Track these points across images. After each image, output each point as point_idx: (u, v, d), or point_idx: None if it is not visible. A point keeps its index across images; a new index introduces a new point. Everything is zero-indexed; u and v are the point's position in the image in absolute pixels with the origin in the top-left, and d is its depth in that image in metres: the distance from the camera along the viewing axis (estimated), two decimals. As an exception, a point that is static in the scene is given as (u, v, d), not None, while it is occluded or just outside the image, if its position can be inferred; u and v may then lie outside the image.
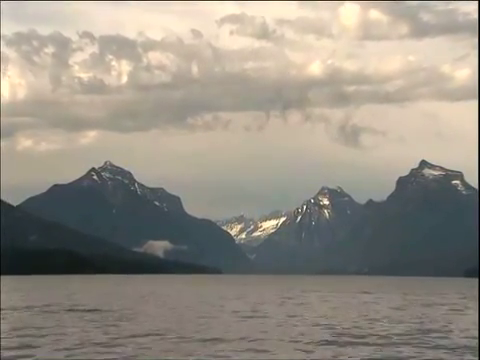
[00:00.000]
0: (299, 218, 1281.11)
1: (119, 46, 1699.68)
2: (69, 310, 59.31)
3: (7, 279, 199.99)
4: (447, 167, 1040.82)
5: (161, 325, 44.13)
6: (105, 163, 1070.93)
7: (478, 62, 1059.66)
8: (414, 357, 30.65)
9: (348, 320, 49.68)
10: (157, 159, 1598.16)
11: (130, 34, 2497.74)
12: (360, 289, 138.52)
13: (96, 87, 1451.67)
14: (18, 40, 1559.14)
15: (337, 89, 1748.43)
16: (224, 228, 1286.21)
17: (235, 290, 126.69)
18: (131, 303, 72.33)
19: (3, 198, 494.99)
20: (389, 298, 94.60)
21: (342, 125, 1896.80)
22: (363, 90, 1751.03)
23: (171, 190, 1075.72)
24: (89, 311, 57.94)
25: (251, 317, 52.12)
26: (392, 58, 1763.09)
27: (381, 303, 78.42)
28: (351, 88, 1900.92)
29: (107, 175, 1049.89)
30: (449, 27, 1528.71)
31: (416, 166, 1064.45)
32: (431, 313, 59.92)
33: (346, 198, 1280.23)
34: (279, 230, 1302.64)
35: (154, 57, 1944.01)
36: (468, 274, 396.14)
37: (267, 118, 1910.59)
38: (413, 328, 43.77)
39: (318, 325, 45.25)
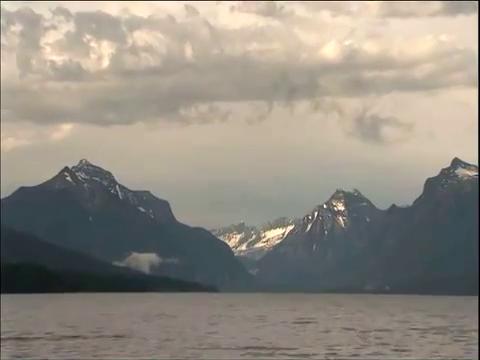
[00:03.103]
0: (309, 227, 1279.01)
1: (99, 24, 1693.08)
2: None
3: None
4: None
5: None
6: (81, 162, 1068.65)
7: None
8: None
9: None
10: (142, 157, 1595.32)
11: (112, 10, 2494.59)
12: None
13: (72, 72, 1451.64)
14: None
15: (355, 74, 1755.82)
16: (221, 238, 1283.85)
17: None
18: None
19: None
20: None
21: (359, 116, 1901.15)
22: (385, 76, 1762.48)
23: (158, 194, 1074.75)
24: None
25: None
26: (421, 38, 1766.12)
27: None
28: (371, 73, 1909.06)
29: (83, 176, 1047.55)
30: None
31: (448, 165, 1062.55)
32: None
33: (364, 203, 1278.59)
34: (286, 241, 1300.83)
35: (140, 37, 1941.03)
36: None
37: (272, 109, 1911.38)
38: None
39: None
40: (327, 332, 74.88)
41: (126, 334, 67.34)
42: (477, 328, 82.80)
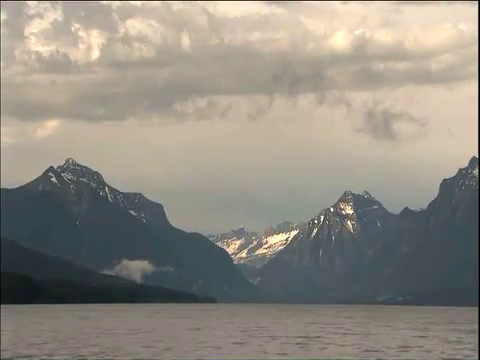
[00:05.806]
0: (315, 232, 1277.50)
1: (88, 12, 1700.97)
2: None
3: None
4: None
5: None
6: (67, 161, 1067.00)
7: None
8: None
9: None
10: (134, 156, 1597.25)
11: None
12: None
13: (59, 64, 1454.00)
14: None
15: (365, 66, 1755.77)
16: (219, 245, 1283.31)
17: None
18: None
19: None
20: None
21: (369, 111, 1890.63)
22: (399, 68, 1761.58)
23: (151, 196, 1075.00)
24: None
25: None
26: (438, 27, 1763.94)
27: None
28: (384, 65, 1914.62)
29: (69, 177, 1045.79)
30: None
31: (465, 165, 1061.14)
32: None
33: (375, 206, 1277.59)
34: (289, 247, 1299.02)
35: (133, 26, 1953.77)
36: None
37: (275, 103, 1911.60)
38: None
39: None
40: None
41: None
42: None
